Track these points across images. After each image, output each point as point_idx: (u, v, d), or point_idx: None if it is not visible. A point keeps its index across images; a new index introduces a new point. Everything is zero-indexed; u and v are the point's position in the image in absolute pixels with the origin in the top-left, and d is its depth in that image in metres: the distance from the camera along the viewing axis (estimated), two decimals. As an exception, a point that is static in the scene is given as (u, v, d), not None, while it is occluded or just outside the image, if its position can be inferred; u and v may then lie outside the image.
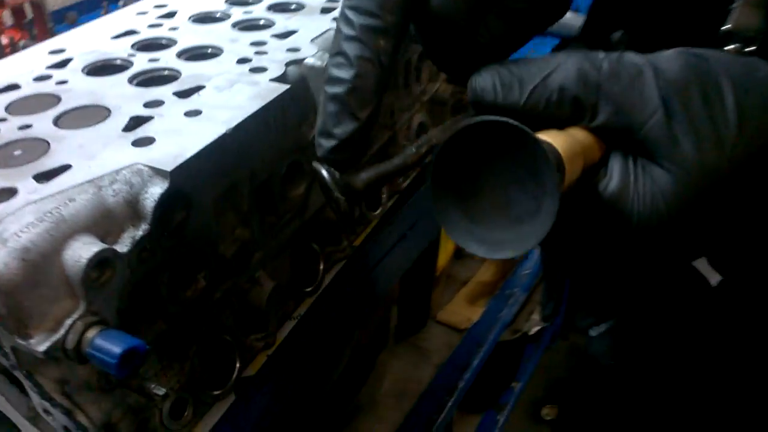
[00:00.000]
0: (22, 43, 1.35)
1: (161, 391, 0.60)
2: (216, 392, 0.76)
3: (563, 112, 0.50)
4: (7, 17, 1.49)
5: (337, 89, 0.53)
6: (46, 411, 0.60)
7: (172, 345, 0.68)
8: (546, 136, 0.48)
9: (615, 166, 0.51)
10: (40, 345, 0.53)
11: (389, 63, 0.54)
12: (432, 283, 1.92)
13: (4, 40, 1.32)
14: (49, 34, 1.52)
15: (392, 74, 0.61)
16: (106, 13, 1.85)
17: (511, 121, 0.43)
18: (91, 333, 0.55)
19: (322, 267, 0.92)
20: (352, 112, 0.53)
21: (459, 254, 2.25)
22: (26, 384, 0.58)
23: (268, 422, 0.83)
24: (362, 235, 1.04)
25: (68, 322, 0.55)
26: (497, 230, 0.46)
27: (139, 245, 0.59)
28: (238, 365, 0.78)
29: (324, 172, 0.55)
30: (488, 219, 0.47)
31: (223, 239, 0.72)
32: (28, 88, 0.77)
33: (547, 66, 0.50)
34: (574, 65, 0.50)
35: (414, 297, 1.93)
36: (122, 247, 0.58)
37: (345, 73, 0.53)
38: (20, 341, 0.53)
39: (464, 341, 1.95)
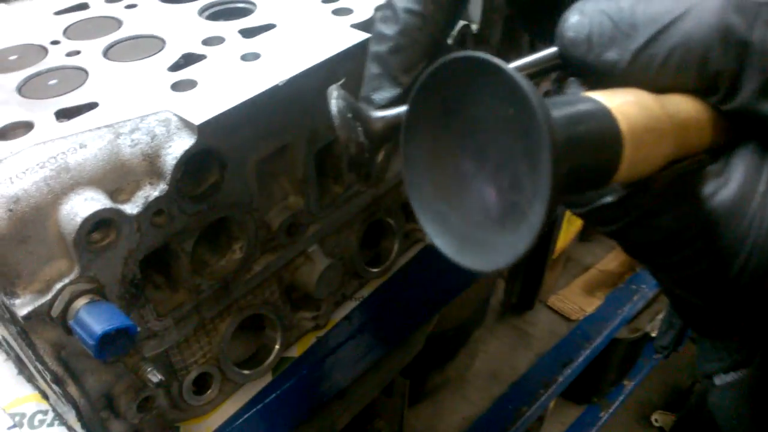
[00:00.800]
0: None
1: (156, 378, 0.53)
2: (248, 371, 0.68)
3: (685, 81, 0.34)
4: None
5: (379, 47, 0.41)
6: (38, 372, 0.54)
7: (198, 317, 0.61)
8: (602, 95, 0.33)
9: (739, 166, 0.34)
10: (23, 308, 0.47)
11: (442, 19, 0.40)
12: (546, 262, 1.75)
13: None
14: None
15: (445, 35, 0.47)
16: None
17: (480, 55, 0.29)
18: (79, 303, 0.48)
19: (396, 247, 0.81)
20: (394, 75, 0.41)
21: (584, 236, 2.04)
22: (17, 342, 0.53)
23: (305, 409, 0.75)
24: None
25: (58, 286, 0.48)
26: (476, 226, 0.32)
27: (152, 207, 0.51)
28: (278, 345, 0.70)
29: (335, 106, 0.40)
30: (467, 208, 0.32)
31: (269, 207, 0.63)
32: (96, 9, 0.70)
33: (672, 9, 0.33)
34: (713, 12, 0.33)
35: (524, 275, 1.78)
36: (132, 207, 0.50)
37: (389, 29, 0.40)
38: (4, 299, 0.47)
39: (572, 333, 1.78)
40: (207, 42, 0.63)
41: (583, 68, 0.35)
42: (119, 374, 0.56)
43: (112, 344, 0.46)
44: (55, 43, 0.64)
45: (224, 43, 0.62)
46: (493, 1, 0.63)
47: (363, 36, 0.62)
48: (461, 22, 0.71)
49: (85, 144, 0.49)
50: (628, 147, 0.31)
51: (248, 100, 0.53)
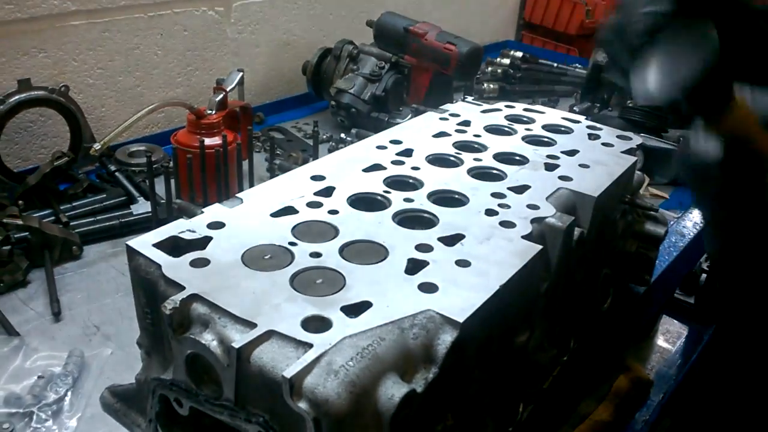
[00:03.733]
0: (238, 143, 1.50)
1: None
2: None
3: None
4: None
5: None
6: None
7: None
8: None
9: None
10: (349, 471, 0.59)
11: None
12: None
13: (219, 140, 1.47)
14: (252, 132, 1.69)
15: None
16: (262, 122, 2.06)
17: None
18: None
19: (521, 409, 0.96)
20: None
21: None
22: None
23: None
24: (549, 379, 1.07)
25: (371, 453, 0.60)
26: None
27: (431, 387, 0.65)
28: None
29: None
30: None
31: (469, 382, 0.77)
32: (305, 213, 0.87)
33: None
34: None
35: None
36: (418, 387, 0.64)
37: None
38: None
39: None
40: (419, 248, 0.80)
41: None
42: None
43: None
44: (292, 244, 0.80)
45: (434, 251, 0.80)
46: None
47: (537, 248, 0.81)
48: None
49: (383, 338, 0.64)
50: None
51: (486, 300, 0.70)
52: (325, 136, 2.00)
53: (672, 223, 1.67)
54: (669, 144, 1.89)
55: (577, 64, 2.79)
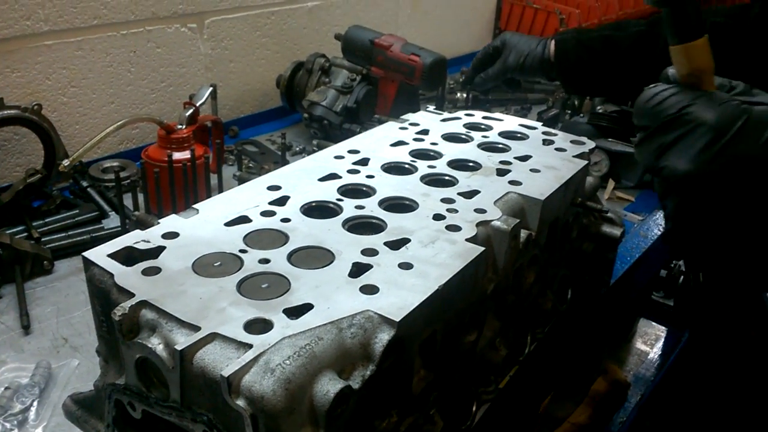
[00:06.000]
0: (209, 157, 1.53)
1: None
2: None
3: None
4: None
5: None
6: None
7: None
8: None
9: None
10: (286, 465, 0.62)
11: None
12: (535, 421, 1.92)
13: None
14: (223, 146, 1.72)
15: None
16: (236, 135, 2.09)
17: None
18: (326, 460, 0.63)
19: (475, 408, 0.98)
20: None
21: (557, 396, 2.23)
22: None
23: None
24: (506, 378, 1.10)
25: (308, 447, 0.63)
26: None
27: (367, 383, 0.68)
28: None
29: None
30: None
31: (411, 379, 0.80)
32: (258, 222, 0.90)
33: None
34: None
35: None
36: (354, 383, 0.67)
37: None
38: (269, 459, 0.62)
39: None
40: (365, 252, 0.83)
41: None
42: None
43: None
44: (243, 251, 0.83)
45: (379, 254, 0.83)
46: None
47: (479, 249, 0.85)
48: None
49: (321, 337, 0.67)
50: None
51: (424, 300, 0.73)
52: (298, 148, 2.03)
53: (635, 225, 1.71)
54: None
55: (551, 72, 2.83)
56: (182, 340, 0.67)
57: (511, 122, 1.34)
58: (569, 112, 2.34)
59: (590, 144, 1.25)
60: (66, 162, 1.35)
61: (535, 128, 1.31)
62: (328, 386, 0.64)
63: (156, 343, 0.69)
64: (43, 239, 1.43)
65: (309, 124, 2.03)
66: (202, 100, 1.61)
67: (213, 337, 0.67)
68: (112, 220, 1.50)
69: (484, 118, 1.36)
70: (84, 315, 1.25)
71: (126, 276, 0.77)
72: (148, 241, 0.84)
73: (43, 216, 1.52)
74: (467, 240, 0.87)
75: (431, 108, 1.41)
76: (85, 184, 1.61)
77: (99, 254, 0.81)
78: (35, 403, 1.02)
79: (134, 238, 0.85)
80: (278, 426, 0.62)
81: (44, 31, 1.68)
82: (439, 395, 0.88)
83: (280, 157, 1.79)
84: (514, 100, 2.60)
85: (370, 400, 0.72)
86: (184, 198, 1.46)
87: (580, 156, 1.19)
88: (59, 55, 1.73)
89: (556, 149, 1.21)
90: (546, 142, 1.24)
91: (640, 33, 1.63)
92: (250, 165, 1.86)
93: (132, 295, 0.73)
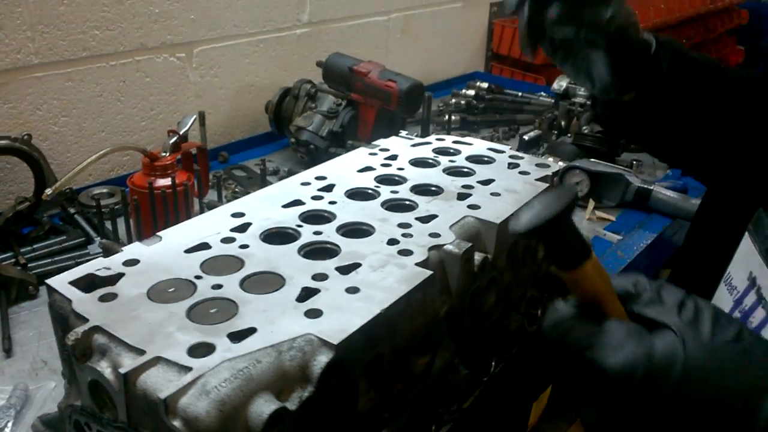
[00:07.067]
0: (190, 182, 1.57)
1: None
2: None
3: None
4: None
5: None
6: None
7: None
8: None
9: None
10: (221, 484, 0.65)
11: None
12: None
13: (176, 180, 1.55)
14: (208, 173, 1.77)
15: None
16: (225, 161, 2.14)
17: None
18: (261, 479, 0.65)
19: (434, 428, 1.01)
20: None
21: (548, 416, 2.24)
22: None
23: None
24: (470, 399, 1.12)
25: (244, 467, 0.66)
26: None
27: (304, 405, 0.71)
28: None
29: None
30: None
31: (359, 399, 0.83)
32: (217, 249, 0.93)
33: None
34: None
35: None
36: (291, 405, 0.70)
37: None
38: (205, 479, 0.65)
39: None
40: (315, 277, 0.86)
41: None
42: None
43: None
44: (199, 278, 0.86)
45: (329, 279, 0.86)
46: None
47: (426, 273, 0.88)
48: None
49: (260, 360, 0.70)
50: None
51: (364, 324, 0.76)
52: (284, 171, 2.08)
53: (612, 245, 1.73)
54: (617, 168, 1.96)
55: (542, 93, 2.87)
56: (128, 363, 0.70)
57: (480, 146, 1.37)
58: (555, 132, 2.37)
59: (554, 166, 1.28)
60: (49, 191, 1.40)
61: (503, 152, 1.35)
62: (263, 407, 0.67)
63: (105, 367, 0.72)
64: (29, 264, 1.48)
65: (296, 149, 2.08)
66: (186, 128, 1.66)
67: (157, 360, 0.70)
68: (98, 246, 1.54)
69: (455, 142, 1.39)
70: (63, 339, 1.28)
71: (83, 302, 0.80)
72: (109, 268, 0.88)
73: (32, 242, 1.56)
74: (417, 264, 0.90)
75: (404, 133, 1.45)
76: (72, 210, 1.66)
77: (61, 281, 0.85)
78: (9, 425, 1.05)
79: (96, 266, 0.88)
80: (214, 446, 0.65)
81: (34, 63, 1.74)
82: (393, 415, 0.90)
83: (269, 182, 1.83)
84: (503, 121, 2.64)
85: (314, 421, 0.75)
86: (164, 224, 1.49)
87: (542, 179, 1.22)
88: (50, 86, 1.79)
89: (520, 172, 1.24)
90: (511, 166, 1.27)
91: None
92: (237, 190, 1.91)
93: (86, 320, 0.77)
